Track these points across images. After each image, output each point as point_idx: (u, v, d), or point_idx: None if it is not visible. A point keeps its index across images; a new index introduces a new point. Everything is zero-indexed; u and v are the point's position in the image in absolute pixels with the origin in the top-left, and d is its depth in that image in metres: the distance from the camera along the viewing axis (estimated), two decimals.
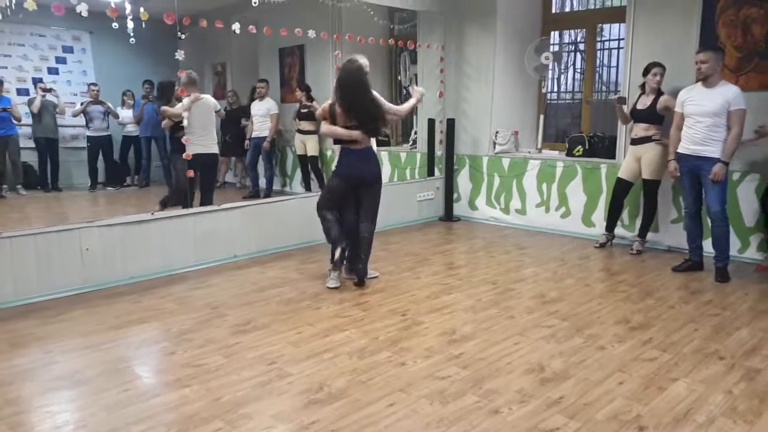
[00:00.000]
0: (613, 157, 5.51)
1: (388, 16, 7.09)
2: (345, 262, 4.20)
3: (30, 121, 8.34)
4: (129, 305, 3.87)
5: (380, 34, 6.60)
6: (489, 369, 2.87)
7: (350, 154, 4.08)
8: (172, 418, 2.43)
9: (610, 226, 5.26)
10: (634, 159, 4.99)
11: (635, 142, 4.96)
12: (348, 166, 4.09)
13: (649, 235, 5.19)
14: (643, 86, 4.91)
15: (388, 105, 4.12)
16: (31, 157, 8.49)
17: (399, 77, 7.59)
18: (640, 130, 4.91)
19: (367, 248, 4.19)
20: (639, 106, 4.91)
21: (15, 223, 6.23)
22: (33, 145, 8.43)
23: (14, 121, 7.96)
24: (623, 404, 2.52)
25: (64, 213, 7.56)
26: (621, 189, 5.09)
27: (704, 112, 4.20)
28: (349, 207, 4.18)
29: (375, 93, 4.04)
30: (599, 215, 5.62)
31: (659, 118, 4.81)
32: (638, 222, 5.25)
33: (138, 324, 3.52)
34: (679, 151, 4.44)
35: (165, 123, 5.68)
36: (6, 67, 8.53)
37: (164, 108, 5.64)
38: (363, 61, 3.99)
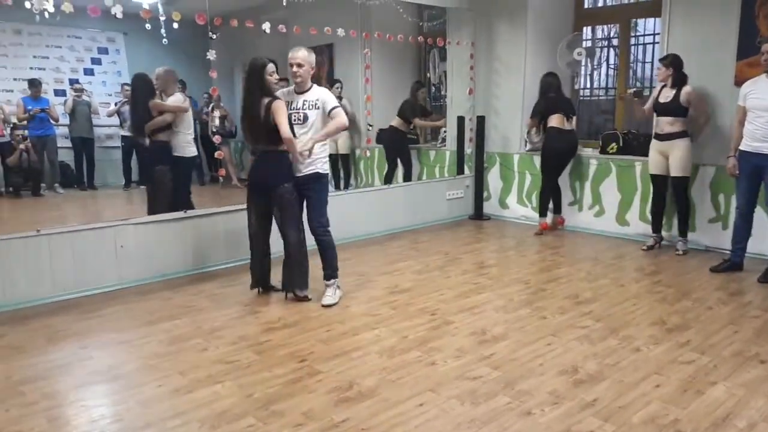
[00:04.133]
0: (647, 154, 5.37)
1: (417, 13, 7.05)
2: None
3: (67, 121, 8.55)
4: (162, 302, 3.93)
5: (409, 31, 6.57)
6: (521, 370, 2.83)
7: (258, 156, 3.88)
8: (204, 414, 2.46)
9: (657, 227, 5.09)
10: (659, 154, 4.85)
11: (661, 137, 4.79)
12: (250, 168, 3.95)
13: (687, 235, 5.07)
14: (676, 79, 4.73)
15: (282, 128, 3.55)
16: (68, 157, 8.70)
17: (428, 75, 7.56)
18: (666, 125, 4.74)
19: (287, 257, 3.89)
20: (662, 99, 4.75)
21: (53, 221, 6.38)
22: (69, 144, 8.64)
23: (52, 122, 8.18)
24: (660, 408, 2.46)
25: (100, 211, 7.74)
26: (659, 185, 4.95)
27: (765, 107, 4.05)
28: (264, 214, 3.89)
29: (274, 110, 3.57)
30: (634, 214, 5.50)
31: (683, 111, 4.66)
32: (675, 220, 5.13)
33: (171, 320, 3.57)
34: (741, 148, 4.28)
35: (160, 120, 4.80)
36: (44, 69, 8.76)
37: (157, 102, 4.82)
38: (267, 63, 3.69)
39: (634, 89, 4.92)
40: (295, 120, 3.75)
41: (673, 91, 4.67)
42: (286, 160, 3.77)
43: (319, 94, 3.79)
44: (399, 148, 6.98)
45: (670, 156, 4.76)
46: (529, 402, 2.52)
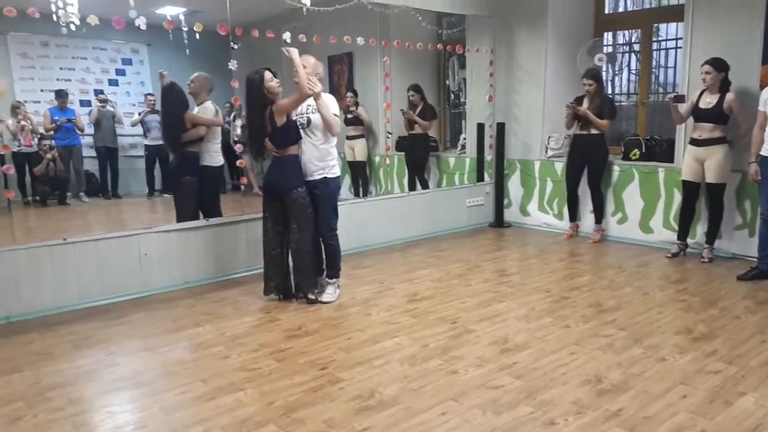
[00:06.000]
0: (671, 160, 5.31)
1: (436, 21, 7.06)
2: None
3: (92, 131, 8.71)
4: (185, 309, 3.97)
5: (428, 39, 6.58)
6: (543, 379, 2.80)
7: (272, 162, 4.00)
8: (227, 421, 2.47)
9: (683, 234, 5.01)
10: (695, 160, 4.75)
11: (699, 143, 4.69)
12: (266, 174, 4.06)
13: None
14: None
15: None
16: (92, 166, 8.84)
17: (447, 82, 7.56)
18: (705, 131, 4.65)
19: (300, 262, 3.98)
20: (702, 105, 4.66)
21: (78, 229, 6.50)
22: (94, 154, 8.79)
23: (78, 132, 8.33)
24: (687, 418, 2.42)
25: (124, 219, 7.86)
26: (691, 192, 4.87)
27: None
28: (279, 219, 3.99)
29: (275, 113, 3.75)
30: (658, 221, 5.43)
31: (725, 118, 4.58)
32: (699, 228, 5.05)
33: (194, 327, 3.61)
34: (762, 153, 4.22)
35: (194, 133, 4.78)
36: (70, 80, 8.92)
37: (193, 115, 4.82)
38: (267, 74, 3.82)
39: (675, 94, 4.85)
40: (300, 124, 3.90)
41: (716, 97, 4.58)
42: (297, 165, 3.91)
43: (323, 99, 3.87)
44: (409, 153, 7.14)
45: (706, 162, 4.67)
46: (552, 412, 2.49)
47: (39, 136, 8.05)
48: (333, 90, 8.39)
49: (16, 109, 7.64)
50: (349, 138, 7.57)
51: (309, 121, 3.90)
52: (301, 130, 3.90)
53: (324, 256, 4.12)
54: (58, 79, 8.79)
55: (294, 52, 3.73)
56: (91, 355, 3.23)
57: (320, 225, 4.00)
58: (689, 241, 5.06)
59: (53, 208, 7.95)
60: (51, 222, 7.38)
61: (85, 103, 8.98)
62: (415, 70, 7.42)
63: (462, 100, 7.28)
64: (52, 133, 8.11)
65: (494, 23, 6.38)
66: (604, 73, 6.22)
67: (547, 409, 2.51)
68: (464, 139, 7.09)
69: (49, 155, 7.90)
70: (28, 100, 8.33)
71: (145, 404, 2.66)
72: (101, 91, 8.99)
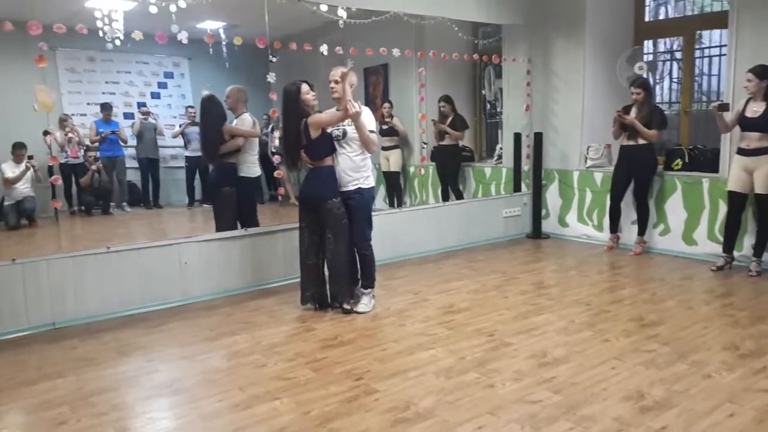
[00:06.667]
0: (716, 170, 5.16)
1: (471, 31, 7.05)
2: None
3: (134, 142, 8.97)
4: (223, 318, 4.03)
5: (464, 49, 6.57)
6: (583, 394, 2.73)
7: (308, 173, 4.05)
8: (263, 430, 2.49)
9: (728, 246, 4.84)
10: (743, 170, 4.60)
11: (747, 153, 4.55)
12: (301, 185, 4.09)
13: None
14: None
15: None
16: (134, 177, 9.09)
17: (483, 92, 7.53)
18: (753, 140, 4.51)
19: (335, 271, 4.00)
20: (748, 114, 4.53)
21: (120, 239, 6.67)
22: (136, 165, 9.04)
23: (121, 143, 8.59)
24: None
25: (165, 229, 8.03)
26: (736, 203, 4.71)
27: None
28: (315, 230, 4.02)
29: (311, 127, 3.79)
30: (702, 233, 5.27)
31: None
32: (746, 240, 4.89)
33: (231, 336, 3.65)
34: None
35: (232, 145, 4.83)
36: (114, 93, 9.21)
37: (231, 127, 4.88)
38: (303, 86, 3.87)
39: (719, 102, 4.71)
40: (335, 136, 3.93)
41: (763, 106, 4.45)
42: (332, 176, 3.94)
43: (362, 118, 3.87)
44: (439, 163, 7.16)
45: (755, 172, 4.52)
46: (592, 428, 2.43)
47: (85, 147, 8.33)
48: (368, 101, 8.45)
49: (63, 122, 7.93)
50: (384, 148, 7.59)
51: (344, 133, 3.92)
52: (336, 142, 3.93)
53: (359, 266, 4.14)
54: (103, 93, 9.09)
55: (350, 71, 3.80)
56: (132, 362, 3.30)
57: (355, 235, 4.02)
58: (735, 253, 4.89)
59: (97, 218, 8.19)
60: (95, 231, 7.60)
61: (128, 116, 9.24)
62: (450, 80, 7.42)
63: (498, 109, 7.24)
64: (97, 144, 8.39)
65: (530, 32, 6.33)
66: None
67: (587, 425, 2.45)
68: (500, 149, 7.04)
69: (94, 166, 8.16)
70: (75, 113, 8.63)
71: (184, 411, 2.70)
72: (144, 104, 9.25)
